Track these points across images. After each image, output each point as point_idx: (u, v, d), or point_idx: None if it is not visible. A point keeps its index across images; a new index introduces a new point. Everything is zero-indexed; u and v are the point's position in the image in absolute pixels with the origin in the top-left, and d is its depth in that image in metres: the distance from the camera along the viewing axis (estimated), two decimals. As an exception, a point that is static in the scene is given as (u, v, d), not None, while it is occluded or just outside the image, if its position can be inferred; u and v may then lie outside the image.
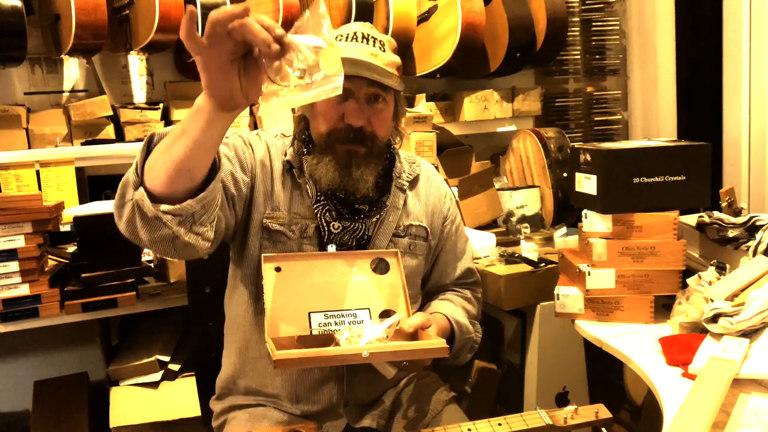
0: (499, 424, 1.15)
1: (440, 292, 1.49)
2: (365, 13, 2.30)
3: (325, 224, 1.31)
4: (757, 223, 1.44)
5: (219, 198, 1.10)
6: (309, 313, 1.21)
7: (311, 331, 1.19)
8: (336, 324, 1.21)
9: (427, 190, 1.45)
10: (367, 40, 1.29)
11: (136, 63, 2.45)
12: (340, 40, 1.29)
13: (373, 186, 1.31)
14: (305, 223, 1.31)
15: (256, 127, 2.38)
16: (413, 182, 1.43)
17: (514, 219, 2.35)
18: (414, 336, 1.18)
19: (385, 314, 1.22)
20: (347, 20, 2.28)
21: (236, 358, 1.37)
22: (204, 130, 0.96)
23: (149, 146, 1.03)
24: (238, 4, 0.90)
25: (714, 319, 1.26)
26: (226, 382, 1.40)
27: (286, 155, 1.34)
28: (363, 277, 1.27)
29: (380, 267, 1.30)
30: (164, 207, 1.01)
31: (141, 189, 1.01)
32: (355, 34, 1.29)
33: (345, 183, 1.28)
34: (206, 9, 2.12)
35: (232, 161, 1.26)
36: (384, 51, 1.30)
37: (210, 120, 0.95)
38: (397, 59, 1.32)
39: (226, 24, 0.86)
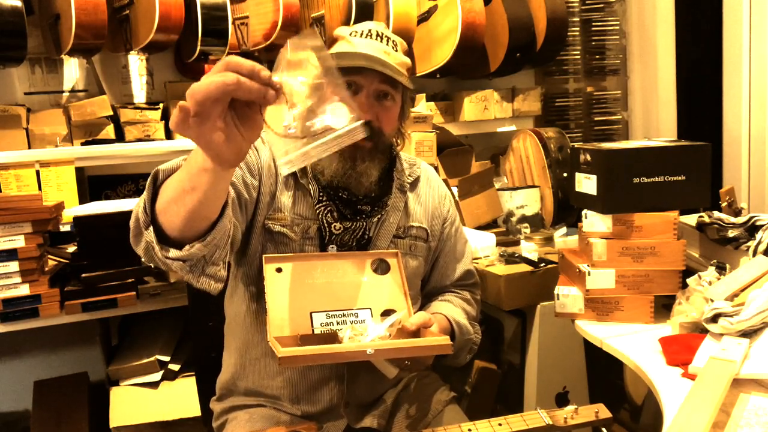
0: (500, 424, 1.15)
1: (440, 294, 1.49)
2: (365, 13, 2.30)
3: (326, 225, 1.31)
4: (757, 223, 1.44)
5: (230, 231, 1.06)
6: (311, 313, 1.21)
7: (313, 331, 1.19)
8: (338, 323, 1.21)
9: (427, 192, 1.45)
10: (381, 38, 1.31)
11: (136, 63, 2.45)
12: (355, 36, 1.31)
13: (375, 182, 1.32)
14: (307, 224, 1.31)
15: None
16: (414, 184, 1.44)
17: (514, 219, 2.35)
18: (416, 334, 1.18)
19: (387, 314, 1.23)
20: (347, 20, 2.28)
21: (236, 360, 1.37)
22: (214, 185, 0.91)
23: (155, 183, 0.99)
24: (223, 71, 0.79)
25: (714, 319, 1.26)
26: (226, 383, 1.40)
27: None
28: (364, 278, 1.27)
29: (381, 267, 1.30)
30: (173, 253, 0.97)
31: (151, 230, 0.97)
32: (369, 31, 1.31)
33: (348, 176, 1.29)
34: (206, 9, 2.13)
35: (241, 166, 1.24)
36: (396, 51, 1.33)
37: (219, 177, 0.90)
38: (407, 61, 1.35)
39: (216, 99, 0.78)
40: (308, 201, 1.32)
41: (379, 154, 1.32)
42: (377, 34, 1.31)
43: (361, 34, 1.31)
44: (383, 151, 1.34)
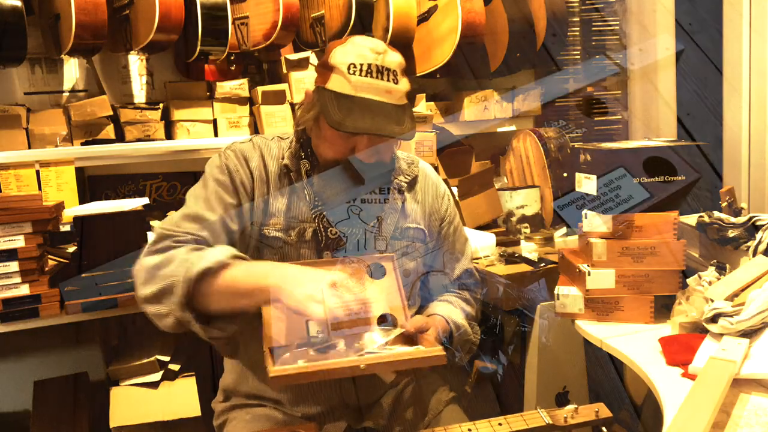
0: (500, 424, 1.15)
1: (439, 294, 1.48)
2: (365, 13, 2.30)
3: (322, 229, 1.31)
4: (757, 223, 1.44)
5: None
6: (306, 321, 1.20)
7: (309, 339, 1.18)
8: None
9: (424, 192, 1.44)
10: (382, 74, 1.23)
11: (136, 63, 2.45)
12: (354, 72, 1.22)
13: (379, 196, 1.35)
14: (303, 227, 1.31)
15: (255, 127, 2.39)
16: (411, 184, 1.43)
17: (514, 219, 2.35)
18: (413, 339, 1.18)
19: (383, 318, 1.22)
20: (347, 20, 2.28)
21: (236, 365, 1.38)
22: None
23: (203, 274, 1.14)
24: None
25: (714, 319, 1.26)
26: (227, 387, 1.41)
27: (283, 158, 1.34)
28: (359, 283, 1.27)
29: (377, 272, 1.29)
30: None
31: (189, 314, 1.16)
32: (369, 66, 1.22)
33: (354, 209, 1.32)
34: (206, 9, 2.13)
35: (226, 188, 1.29)
36: (397, 82, 1.25)
37: None
38: (407, 86, 1.28)
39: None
40: (303, 204, 1.32)
41: (380, 178, 1.36)
42: (378, 70, 1.22)
43: (361, 71, 1.22)
44: (383, 173, 1.37)
